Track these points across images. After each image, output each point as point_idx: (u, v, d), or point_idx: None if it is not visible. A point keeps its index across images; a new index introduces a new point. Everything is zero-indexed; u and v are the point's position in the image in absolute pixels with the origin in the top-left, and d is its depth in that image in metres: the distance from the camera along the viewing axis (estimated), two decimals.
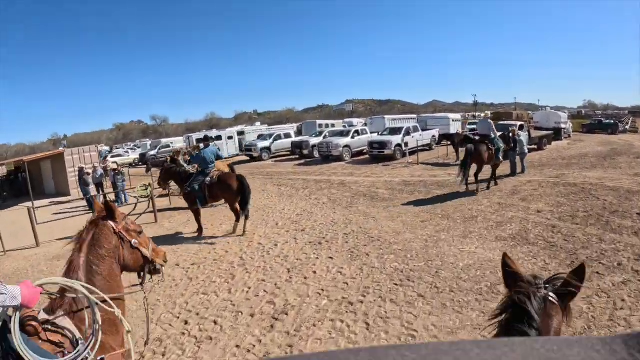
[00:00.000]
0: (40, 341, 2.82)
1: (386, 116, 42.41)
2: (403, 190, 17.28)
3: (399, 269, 8.74)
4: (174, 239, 12.62)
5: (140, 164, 44.19)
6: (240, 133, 44.13)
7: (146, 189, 15.38)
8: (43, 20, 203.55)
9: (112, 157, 46.71)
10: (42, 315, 3.04)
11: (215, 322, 7.16)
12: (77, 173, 22.08)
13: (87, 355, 2.95)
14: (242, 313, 7.41)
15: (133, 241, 3.80)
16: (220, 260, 10.32)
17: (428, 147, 32.17)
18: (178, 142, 44.40)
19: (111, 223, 3.70)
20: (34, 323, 2.83)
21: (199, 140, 13.54)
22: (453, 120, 38.30)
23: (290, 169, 28.07)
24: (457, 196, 15.46)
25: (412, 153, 28.17)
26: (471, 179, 15.89)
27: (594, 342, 0.61)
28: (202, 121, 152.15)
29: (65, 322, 3.06)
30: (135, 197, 16.06)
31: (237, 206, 12.36)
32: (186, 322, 7.25)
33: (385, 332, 6.35)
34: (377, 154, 28.16)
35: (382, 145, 28.03)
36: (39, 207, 16.87)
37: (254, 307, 7.57)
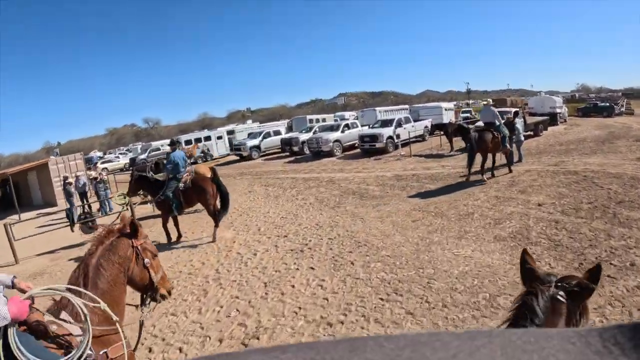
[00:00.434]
0: (49, 341, 3.02)
1: (377, 108, 41.32)
2: (394, 186, 16.38)
3: (385, 280, 7.80)
4: None
5: (132, 168, 43.44)
6: (230, 132, 43.46)
7: (124, 197, 14.57)
8: (35, 23, 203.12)
9: (103, 163, 45.97)
10: (48, 317, 3.16)
11: (180, 350, 6.39)
12: (62, 182, 21.06)
13: (89, 351, 3.10)
14: (210, 338, 6.62)
15: (146, 260, 3.93)
16: (195, 274, 9.50)
17: (421, 138, 31.31)
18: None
19: (131, 239, 3.88)
20: (41, 326, 2.98)
21: (171, 144, 12.85)
22: (446, 110, 37.61)
23: (280, 168, 27.24)
24: (451, 190, 14.61)
25: (404, 145, 27.25)
26: (474, 171, 15.30)
27: (571, 335, 0.61)
28: (195, 122, 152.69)
29: (68, 320, 3.23)
30: (120, 204, 15.31)
31: (214, 210, 11.81)
32: (150, 350, 6.50)
33: None
34: (369, 148, 27.33)
35: (373, 138, 27.17)
36: (26, 220, 16.51)
37: (224, 331, 6.76)
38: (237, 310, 7.39)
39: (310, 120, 40.91)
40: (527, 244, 8.75)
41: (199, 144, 37.34)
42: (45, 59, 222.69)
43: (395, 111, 39.13)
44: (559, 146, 23.05)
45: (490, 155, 15.84)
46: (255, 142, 35.23)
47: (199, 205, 12.88)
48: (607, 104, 54.74)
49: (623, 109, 56.28)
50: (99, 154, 71.91)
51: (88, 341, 3.09)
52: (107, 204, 19.28)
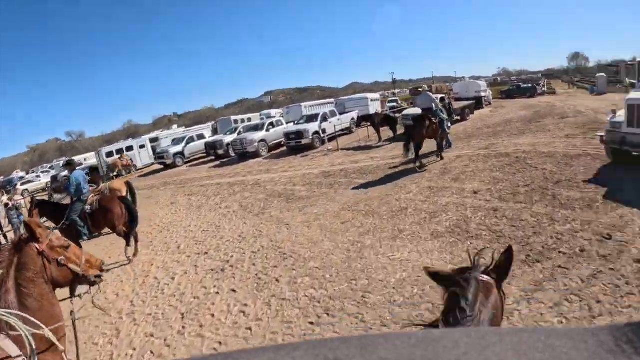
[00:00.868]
0: None
1: (303, 103, 40.73)
2: (322, 184, 15.61)
3: (315, 298, 6.91)
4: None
5: (32, 196, 40.61)
6: (154, 140, 41.59)
7: None
8: None
9: (23, 184, 43.02)
10: None
11: None
12: None
13: None
14: None
15: (60, 258, 3.74)
16: (109, 308, 8.24)
17: (348, 131, 30.98)
18: (92, 158, 41.74)
19: (34, 244, 3.63)
20: None
21: (65, 166, 11.77)
22: (372, 100, 37.70)
23: (205, 173, 25.92)
24: (381, 183, 14.01)
25: (331, 139, 26.85)
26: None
27: (582, 333, 0.61)
28: (120, 131, 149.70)
29: (7, 342, 3.09)
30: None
31: (124, 230, 10.79)
32: None
33: None
34: (295, 145, 26.62)
35: (299, 135, 26.50)
36: None
37: None
38: (152, 352, 6.36)
39: (235, 121, 39.86)
40: (467, 238, 8.18)
41: (125, 155, 35.49)
42: None
43: (320, 105, 38.86)
44: (487, 129, 23.14)
45: (433, 141, 15.92)
46: (178, 148, 33.72)
47: None
48: (530, 85, 58.43)
49: (545, 89, 60.20)
50: (21, 173, 66.82)
51: None
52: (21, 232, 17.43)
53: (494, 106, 39.51)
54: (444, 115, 15.71)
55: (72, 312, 3.99)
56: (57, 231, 4.13)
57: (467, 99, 34.57)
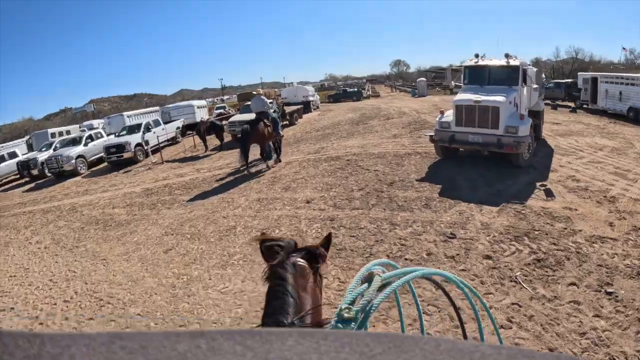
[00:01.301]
0: None
1: (125, 113, 38.18)
2: (143, 205, 14.26)
3: None
4: None
5: None
6: None
7: None
8: None
9: None
10: None
11: None
12: None
13: None
14: None
15: None
16: None
17: (173, 141, 29.88)
18: None
19: None
20: None
21: None
22: (198, 107, 36.63)
23: (18, 199, 22.52)
24: (208, 196, 13.26)
25: (155, 151, 25.13)
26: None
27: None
28: None
29: None
30: None
31: None
32: None
33: None
34: (116, 160, 24.52)
35: (120, 148, 24.47)
36: None
37: None
38: None
39: (53, 135, 36.05)
40: None
41: None
42: None
43: (145, 114, 36.88)
44: (316, 132, 23.32)
45: (266, 146, 15.93)
46: None
47: None
48: (356, 89, 64.17)
49: (370, 93, 65.71)
50: None
51: None
52: None
53: (322, 110, 41.12)
54: (276, 115, 16.27)
55: None
56: None
57: (296, 104, 35.45)
